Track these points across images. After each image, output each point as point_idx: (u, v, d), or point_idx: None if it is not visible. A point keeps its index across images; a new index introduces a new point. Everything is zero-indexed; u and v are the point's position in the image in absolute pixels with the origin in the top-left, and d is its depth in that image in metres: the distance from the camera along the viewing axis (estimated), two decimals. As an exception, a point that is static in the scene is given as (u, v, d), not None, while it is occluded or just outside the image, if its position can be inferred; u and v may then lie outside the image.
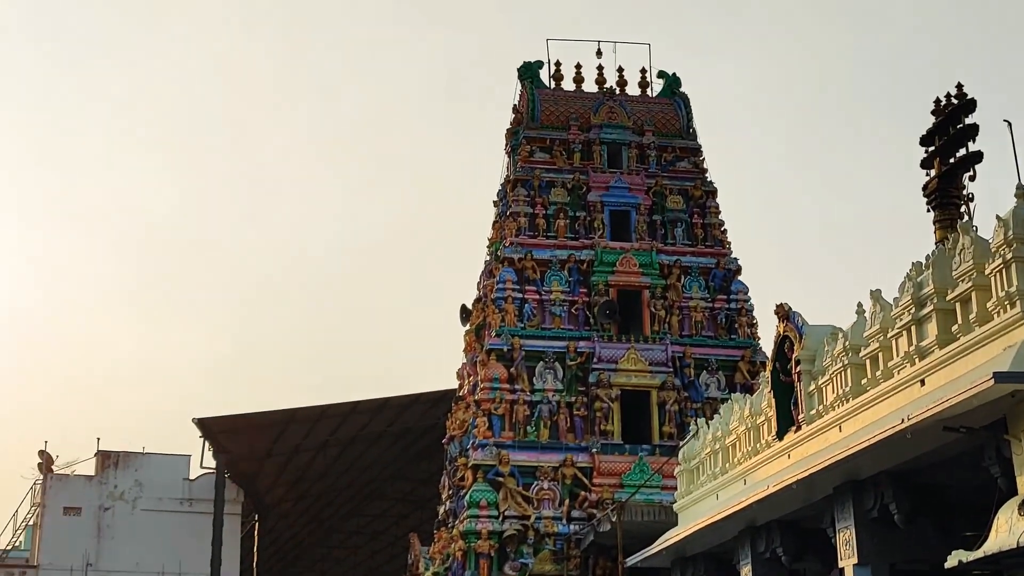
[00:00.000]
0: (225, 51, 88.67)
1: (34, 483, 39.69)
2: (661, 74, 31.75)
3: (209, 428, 36.94)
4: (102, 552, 37.57)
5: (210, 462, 38.29)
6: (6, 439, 78.43)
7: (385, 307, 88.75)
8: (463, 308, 30.36)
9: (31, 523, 40.89)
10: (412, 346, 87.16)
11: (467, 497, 26.03)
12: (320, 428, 37.83)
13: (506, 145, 30.90)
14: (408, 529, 33.97)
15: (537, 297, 28.05)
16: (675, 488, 22.25)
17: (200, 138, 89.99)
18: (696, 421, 21.94)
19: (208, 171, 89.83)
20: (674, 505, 21.89)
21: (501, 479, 26.02)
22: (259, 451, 38.37)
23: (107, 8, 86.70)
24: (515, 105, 31.26)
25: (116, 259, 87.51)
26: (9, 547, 41.43)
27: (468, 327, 29.84)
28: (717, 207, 29.68)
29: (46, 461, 38.81)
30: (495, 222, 30.29)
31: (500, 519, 25.61)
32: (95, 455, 38.81)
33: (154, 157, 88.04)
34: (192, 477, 38.97)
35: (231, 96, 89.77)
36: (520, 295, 27.96)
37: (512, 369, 27.11)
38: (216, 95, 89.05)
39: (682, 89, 31.53)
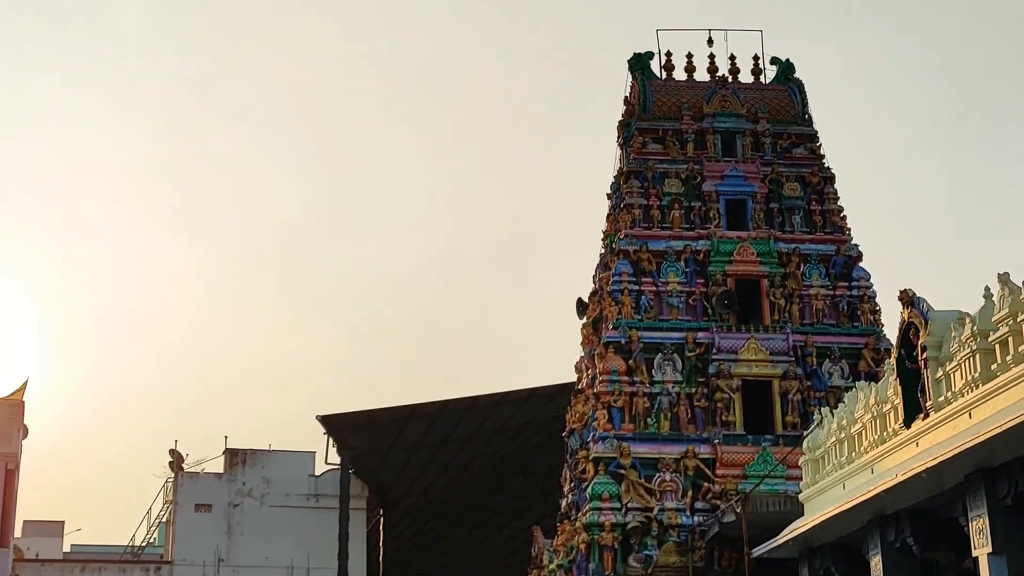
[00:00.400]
0: (341, 52, 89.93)
1: (166, 481, 40.75)
2: (774, 60, 31.42)
3: (333, 425, 37.48)
4: (232, 547, 38.39)
5: (335, 458, 38.85)
6: (139, 439, 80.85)
7: (502, 302, 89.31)
8: (579, 301, 30.39)
9: (164, 520, 42.00)
10: (529, 340, 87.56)
11: (589, 490, 26.09)
12: (441, 423, 38.15)
13: (618, 137, 30.86)
14: (530, 522, 34.10)
15: (654, 289, 27.98)
16: (800, 478, 22.06)
17: (320, 141, 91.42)
18: (820, 410, 21.70)
19: (325, 172, 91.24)
20: (800, 495, 21.69)
21: (622, 471, 26.02)
22: (382, 447, 38.83)
23: (228, 13, 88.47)
24: (626, 97, 31.20)
25: (240, 262, 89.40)
26: (144, 543, 42.61)
27: (585, 320, 29.87)
28: (835, 193, 29.29)
29: (177, 460, 39.78)
30: (609, 215, 30.26)
31: (623, 511, 25.63)
32: (223, 453, 39.66)
33: (276, 162, 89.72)
34: (317, 473, 39.60)
35: (347, 98, 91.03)
36: (636, 287, 27.92)
37: (630, 361, 27.08)
38: (333, 96, 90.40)
39: (796, 75, 31.15)
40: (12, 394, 37.21)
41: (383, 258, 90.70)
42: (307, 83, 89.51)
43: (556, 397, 34.66)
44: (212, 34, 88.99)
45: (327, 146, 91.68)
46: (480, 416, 38.35)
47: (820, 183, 29.38)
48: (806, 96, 30.68)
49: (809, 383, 26.97)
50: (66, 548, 50.37)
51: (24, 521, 45.58)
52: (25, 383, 37.54)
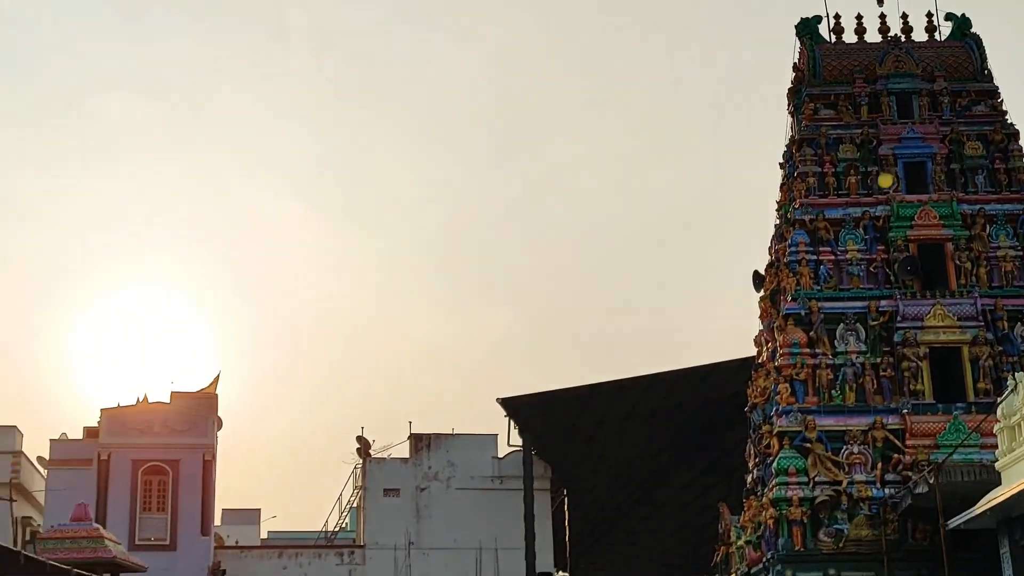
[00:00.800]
0: (503, 43, 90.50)
1: (354, 467, 41.84)
2: (949, 16, 30.36)
3: (513, 407, 37.87)
4: (422, 530, 39.18)
5: (517, 440, 39.28)
6: (327, 426, 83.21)
7: (676, 277, 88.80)
8: (756, 274, 30.00)
9: (355, 505, 43.13)
10: (706, 315, 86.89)
11: (775, 465, 25.75)
12: (620, 401, 38.16)
13: (788, 105, 30.29)
14: (716, 499, 33.83)
15: (832, 258, 27.42)
16: (994, 446, 21.35)
17: (489, 128, 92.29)
18: (1014, 375, 20.94)
19: (495, 158, 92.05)
20: (996, 464, 21.01)
21: (808, 445, 25.59)
22: (562, 427, 39.05)
23: (397, 7, 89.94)
24: (795, 63, 30.57)
25: (415, 248, 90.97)
26: (337, 528, 43.85)
27: (762, 293, 29.45)
28: (1020, 150, 28.17)
29: (364, 446, 40.80)
30: (782, 184, 29.75)
31: (811, 485, 25.21)
32: (408, 438, 40.48)
33: (447, 151, 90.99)
34: (501, 455, 40.07)
35: (513, 86, 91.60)
36: (814, 257, 27.40)
37: (811, 333, 26.60)
38: (501, 84, 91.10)
39: (973, 30, 30.07)
40: (205, 388, 38.74)
41: (556, 238, 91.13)
42: (475, 74, 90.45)
43: (736, 372, 34.27)
44: (377, 31, 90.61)
45: (497, 132, 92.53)
46: (660, 393, 38.21)
47: (1003, 140, 28.32)
48: (984, 51, 29.57)
49: (1001, 348, 26.04)
50: (263, 534, 52.26)
51: (223, 509, 47.49)
52: (217, 377, 39.04)
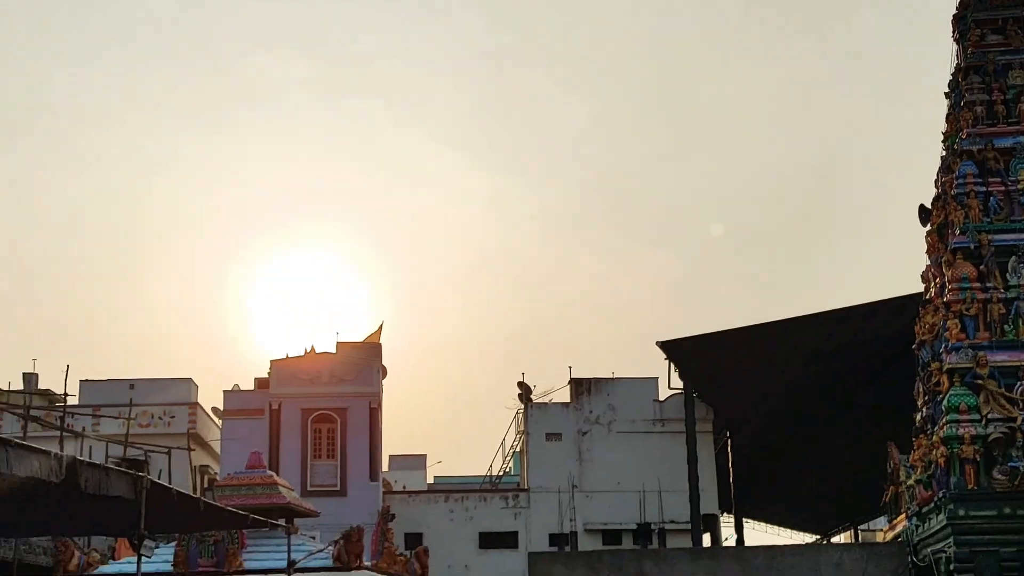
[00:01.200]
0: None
1: (516, 413, 42.21)
2: (1125, -71, 28.88)
3: (673, 350, 37.66)
4: (584, 474, 39.38)
5: (677, 383, 39.09)
6: (489, 373, 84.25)
7: (837, 214, 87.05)
8: (922, 208, 29.19)
9: (517, 450, 43.58)
10: (870, 252, 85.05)
11: (945, 402, 25.15)
12: (782, 343, 37.60)
13: (953, 32, 29.25)
14: (882, 438, 33.16)
15: (1003, 188, 26.51)
16: None
17: (647, 70, 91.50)
18: None
19: (653, 100, 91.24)
20: None
21: (980, 382, 24.92)
22: (723, 369, 38.69)
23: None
24: (959, -12, 29.52)
25: (573, 195, 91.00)
26: (501, 473, 44.40)
27: (929, 227, 28.68)
28: None
29: (525, 392, 41.11)
30: (948, 115, 28.82)
31: (983, 423, 24.56)
32: (568, 383, 40.65)
33: (604, 94, 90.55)
34: (661, 398, 39.95)
35: (673, 26, 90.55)
36: (983, 188, 26.53)
37: (981, 267, 25.84)
38: (657, 25, 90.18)
39: None
40: (369, 337, 39.46)
41: (714, 178, 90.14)
42: (628, 20, 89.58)
43: (902, 309, 33.48)
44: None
45: (652, 74, 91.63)
46: (823, 333, 37.53)
47: None
48: None
49: None
50: (429, 479, 53.25)
51: (390, 456, 48.57)
52: (380, 326, 39.71)
